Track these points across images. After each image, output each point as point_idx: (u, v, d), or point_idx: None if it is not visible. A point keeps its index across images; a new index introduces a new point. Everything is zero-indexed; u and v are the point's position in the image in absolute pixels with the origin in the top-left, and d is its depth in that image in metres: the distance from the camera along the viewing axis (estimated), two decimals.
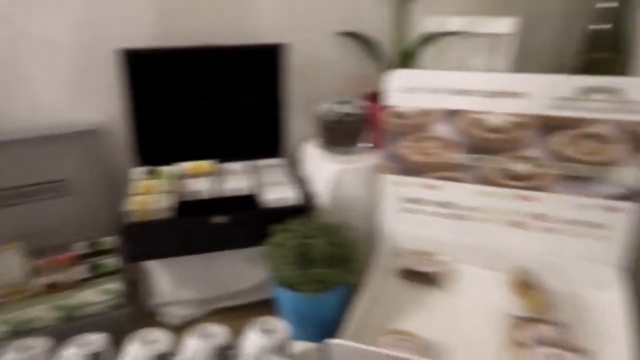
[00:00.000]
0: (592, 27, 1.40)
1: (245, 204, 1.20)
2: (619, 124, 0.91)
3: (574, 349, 0.82)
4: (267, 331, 0.91)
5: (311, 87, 1.42)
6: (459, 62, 1.41)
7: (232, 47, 1.33)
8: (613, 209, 0.95)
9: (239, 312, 1.23)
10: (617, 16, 1.41)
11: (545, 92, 0.94)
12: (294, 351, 0.92)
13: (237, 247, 1.18)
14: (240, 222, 1.14)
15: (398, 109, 1.08)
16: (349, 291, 0.99)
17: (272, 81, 1.37)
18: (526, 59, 1.40)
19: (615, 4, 1.42)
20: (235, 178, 1.31)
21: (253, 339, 0.89)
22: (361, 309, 0.94)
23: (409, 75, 1.09)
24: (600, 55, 1.42)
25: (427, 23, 1.36)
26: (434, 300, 1.02)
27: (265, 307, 1.16)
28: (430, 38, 1.31)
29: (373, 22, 1.36)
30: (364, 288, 0.99)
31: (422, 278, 1.07)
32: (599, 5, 1.40)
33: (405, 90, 1.07)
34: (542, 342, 0.83)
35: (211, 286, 1.25)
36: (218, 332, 0.91)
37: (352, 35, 1.36)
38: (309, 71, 1.43)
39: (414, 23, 1.31)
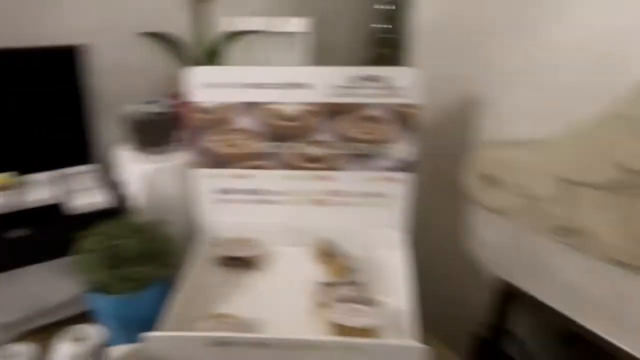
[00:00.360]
0: (373, 26, 1.62)
1: (49, 214, 1.13)
2: (388, 107, 1.07)
3: (367, 302, 0.95)
4: (79, 339, 0.88)
5: (119, 89, 1.38)
6: (263, 59, 1.50)
7: (22, 49, 1.23)
8: (391, 180, 1.12)
9: (55, 330, 1.15)
10: (395, 17, 1.64)
11: (327, 82, 1.06)
12: (112, 355, 0.91)
13: (44, 260, 1.11)
14: (44, 234, 1.08)
15: (202, 104, 1.12)
16: (168, 286, 1.00)
17: (73, 85, 1.30)
18: (324, 55, 1.55)
19: (392, 7, 1.64)
20: (39, 189, 1.22)
21: (63, 350, 0.86)
22: (181, 300, 0.96)
23: (209, 72, 1.13)
24: (384, 51, 1.64)
25: (228, 23, 1.42)
26: (253, 282, 1.09)
27: (84, 319, 1.11)
28: (232, 37, 1.38)
29: (177, 23, 1.38)
30: (183, 280, 1.01)
31: (241, 263, 1.13)
32: (376, 7, 1.61)
33: (207, 86, 1.11)
34: (342, 300, 0.95)
35: (19, 306, 1.15)
36: (23, 352, 0.86)
37: (156, 36, 1.36)
38: (116, 73, 1.39)
39: (215, 23, 1.36)
